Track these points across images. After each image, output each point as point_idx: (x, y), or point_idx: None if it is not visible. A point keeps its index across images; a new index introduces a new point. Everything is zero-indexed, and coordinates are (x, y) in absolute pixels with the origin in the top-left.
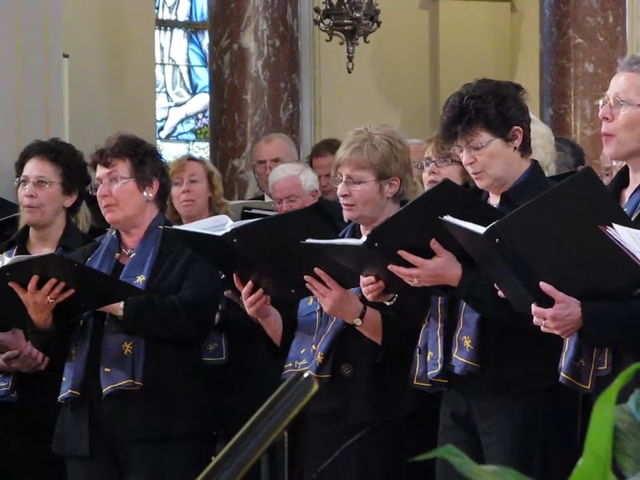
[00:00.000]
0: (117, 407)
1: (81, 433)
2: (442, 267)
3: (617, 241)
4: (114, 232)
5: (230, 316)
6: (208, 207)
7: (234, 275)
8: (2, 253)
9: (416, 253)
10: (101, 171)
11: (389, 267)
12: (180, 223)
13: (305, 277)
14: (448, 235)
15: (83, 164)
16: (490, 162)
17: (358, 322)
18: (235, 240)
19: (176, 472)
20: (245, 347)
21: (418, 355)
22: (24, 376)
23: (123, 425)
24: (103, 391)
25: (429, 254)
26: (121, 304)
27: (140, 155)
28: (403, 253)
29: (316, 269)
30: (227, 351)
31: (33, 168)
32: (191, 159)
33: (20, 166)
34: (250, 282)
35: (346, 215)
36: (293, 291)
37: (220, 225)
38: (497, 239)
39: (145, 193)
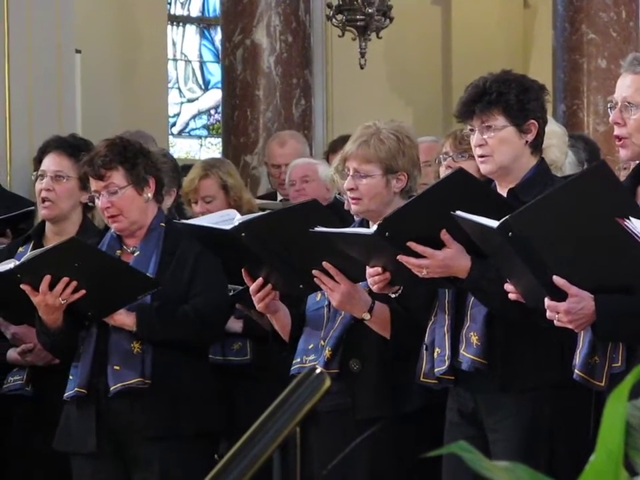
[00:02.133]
0: (124, 404)
1: (87, 431)
2: (451, 258)
3: (634, 233)
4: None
5: (253, 323)
6: None
7: (242, 270)
8: (19, 248)
9: (425, 243)
10: (96, 184)
11: (399, 257)
12: None
13: (314, 271)
14: (458, 225)
15: None
16: (499, 147)
17: (367, 316)
18: (243, 234)
19: (182, 469)
20: (269, 346)
21: (425, 351)
22: (38, 369)
23: (130, 422)
24: (111, 388)
25: (438, 245)
26: (134, 318)
27: (130, 159)
28: (412, 244)
29: (324, 263)
30: (251, 351)
31: (50, 162)
32: (203, 177)
33: (38, 160)
34: (259, 278)
35: (352, 209)
36: (301, 286)
37: (228, 218)
38: (510, 233)
39: (144, 195)
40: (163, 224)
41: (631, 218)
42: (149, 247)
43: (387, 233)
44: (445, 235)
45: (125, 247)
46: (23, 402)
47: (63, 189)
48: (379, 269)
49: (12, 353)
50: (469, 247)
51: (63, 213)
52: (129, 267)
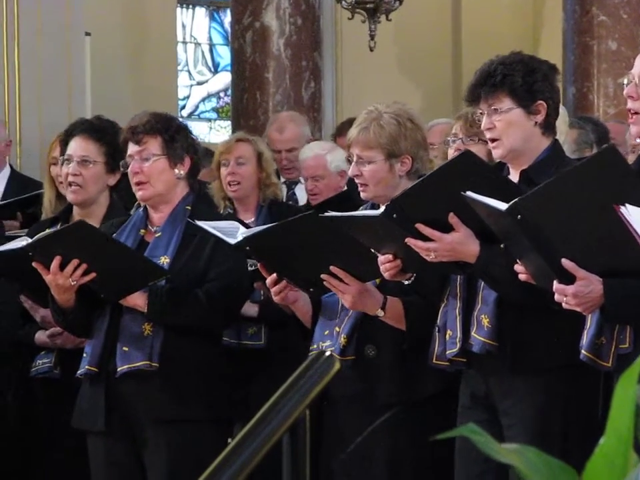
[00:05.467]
0: (132, 385)
1: (97, 409)
2: (460, 242)
3: (626, 220)
4: (142, 208)
5: (269, 308)
6: (257, 187)
7: (259, 264)
8: (46, 229)
9: (434, 227)
10: (132, 148)
11: (406, 239)
12: (230, 202)
13: (322, 275)
14: (467, 209)
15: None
16: (508, 130)
17: (380, 313)
18: (247, 247)
19: (192, 451)
20: (283, 332)
21: (437, 333)
22: (67, 352)
23: (138, 403)
24: (118, 369)
25: (447, 230)
26: (145, 299)
27: (171, 132)
28: (420, 226)
29: (332, 267)
30: (266, 336)
31: (77, 147)
32: (239, 139)
33: (64, 143)
34: (274, 274)
35: (361, 195)
36: (311, 289)
37: (233, 228)
38: (519, 216)
39: (176, 170)
40: (189, 207)
41: (627, 205)
42: (172, 228)
43: (394, 215)
44: (453, 219)
45: (149, 226)
46: (51, 384)
47: (89, 174)
48: (390, 256)
49: (40, 336)
50: (478, 231)
51: (90, 197)
52: (136, 255)
